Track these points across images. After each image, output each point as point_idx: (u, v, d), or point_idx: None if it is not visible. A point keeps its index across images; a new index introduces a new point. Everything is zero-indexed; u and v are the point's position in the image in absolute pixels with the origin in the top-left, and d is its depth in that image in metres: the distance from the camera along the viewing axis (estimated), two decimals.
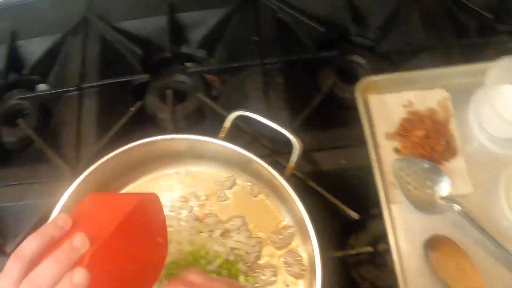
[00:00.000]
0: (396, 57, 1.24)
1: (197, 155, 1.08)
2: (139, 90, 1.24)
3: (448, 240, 1.00)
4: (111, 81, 1.22)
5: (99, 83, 1.22)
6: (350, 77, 1.22)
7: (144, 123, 1.21)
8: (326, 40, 1.26)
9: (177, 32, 1.29)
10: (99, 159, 1.04)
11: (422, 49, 1.23)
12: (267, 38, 1.23)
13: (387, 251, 1.01)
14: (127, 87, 1.24)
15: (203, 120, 1.21)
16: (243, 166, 1.06)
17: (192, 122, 1.19)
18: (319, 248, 0.92)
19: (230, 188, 1.08)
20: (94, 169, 1.02)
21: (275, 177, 0.98)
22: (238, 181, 1.09)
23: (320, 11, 1.28)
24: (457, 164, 1.08)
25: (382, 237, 1.04)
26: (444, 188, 1.03)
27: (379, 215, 1.04)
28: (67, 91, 1.22)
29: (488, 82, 1.05)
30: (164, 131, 1.17)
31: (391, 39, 1.26)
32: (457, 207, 0.99)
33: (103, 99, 1.21)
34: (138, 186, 1.10)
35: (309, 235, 0.96)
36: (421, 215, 1.03)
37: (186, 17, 1.31)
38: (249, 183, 1.08)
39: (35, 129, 1.20)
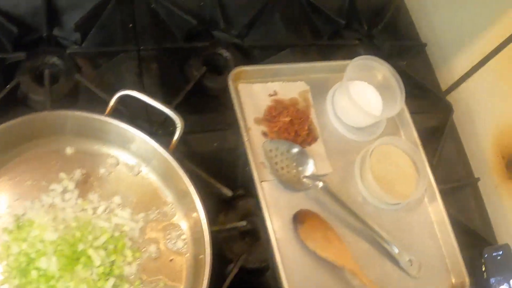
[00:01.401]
0: (258, 52, 1.44)
1: (79, 133, 1.16)
2: (8, 71, 1.27)
3: (313, 214, 1.22)
4: None
5: None
6: (216, 68, 1.39)
7: (15, 104, 1.24)
8: (194, 34, 1.42)
9: (53, 13, 1.35)
10: None
11: (282, 46, 1.44)
12: (142, 26, 1.36)
13: (257, 226, 1.20)
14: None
15: (76, 103, 1.28)
16: (125, 145, 1.17)
17: (66, 105, 1.25)
18: (206, 217, 1.07)
19: (112, 166, 1.18)
20: None
21: (159, 152, 1.12)
22: (120, 160, 1.19)
23: (190, 5, 1.42)
24: (317, 148, 1.30)
25: (250, 214, 1.22)
26: (308, 168, 1.25)
27: (248, 194, 1.24)
28: None
29: (345, 78, 1.30)
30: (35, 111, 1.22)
31: (255, 37, 1.46)
32: (320, 183, 1.21)
33: None
34: (16, 164, 1.14)
35: (190, 209, 1.12)
36: (288, 192, 1.23)
37: None
38: (131, 162, 1.19)
39: None
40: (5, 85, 1.23)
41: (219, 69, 1.39)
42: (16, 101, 1.25)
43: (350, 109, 1.31)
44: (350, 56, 1.38)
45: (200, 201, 1.08)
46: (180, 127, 1.14)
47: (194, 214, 1.10)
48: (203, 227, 1.07)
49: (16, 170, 1.14)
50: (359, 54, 1.39)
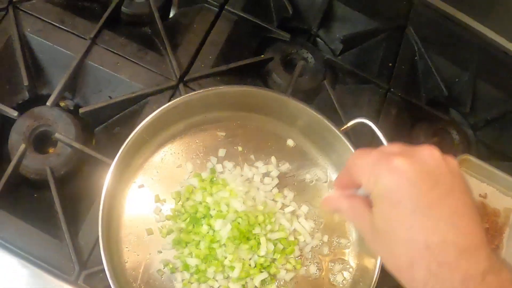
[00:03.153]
0: (486, 151, 1.40)
1: (306, 133, 1.17)
2: (264, 44, 1.30)
3: None
4: (252, 19, 1.28)
5: (240, 13, 1.27)
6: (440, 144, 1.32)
7: (255, 73, 1.27)
8: (437, 102, 1.39)
9: (328, 15, 1.38)
10: (209, 82, 1.15)
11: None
12: (399, 70, 1.34)
13: None
14: (260, 34, 1.30)
15: (309, 102, 1.25)
16: (341, 166, 1.15)
17: (300, 99, 1.23)
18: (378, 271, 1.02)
19: (319, 179, 1.17)
20: (206, 92, 1.10)
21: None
22: (330, 178, 1.17)
23: (449, 75, 1.40)
24: None
25: None
26: None
27: None
28: (208, 2, 1.27)
29: None
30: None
31: (488, 135, 1.42)
32: None
33: (234, 29, 1.26)
34: (236, 126, 1.17)
35: (365, 254, 1.10)
36: None
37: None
38: None
39: (159, 12, 1.23)
40: (255, 53, 1.26)
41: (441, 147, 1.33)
42: (257, 72, 1.27)
43: None
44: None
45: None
46: None
47: (366, 260, 1.08)
48: (373, 278, 1.02)
49: (234, 132, 1.16)
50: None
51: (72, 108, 1.18)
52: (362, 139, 1.18)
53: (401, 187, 0.62)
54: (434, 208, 0.61)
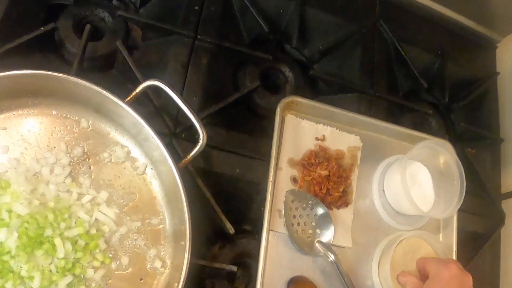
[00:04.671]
0: (323, 86, 1.28)
1: (100, 110, 1.04)
2: (53, 12, 1.14)
3: (311, 286, 1.06)
4: None
5: None
6: (272, 85, 1.24)
7: (48, 47, 1.11)
8: (263, 39, 1.26)
9: None
10: None
11: (350, 89, 1.27)
12: (208, 13, 1.20)
13: (248, 273, 1.08)
14: (44, 3, 1.13)
15: (109, 68, 1.14)
16: (139, 139, 1.04)
17: (98, 67, 1.13)
18: (189, 256, 0.94)
19: (118, 156, 1.04)
20: None
21: (169, 164, 0.97)
22: (131, 153, 1.06)
23: (270, 9, 1.27)
24: (345, 215, 1.14)
25: (247, 256, 1.09)
26: (326, 234, 1.09)
27: (252, 234, 1.10)
28: None
29: (407, 157, 1.13)
30: (66, 64, 1.10)
31: (325, 67, 1.29)
32: (331, 257, 1.05)
33: (12, 4, 1.09)
34: (20, 115, 1.02)
35: (179, 233, 0.99)
36: (294, 251, 1.08)
37: None
38: (140, 158, 1.05)
39: None
40: (43, 25, 1.10)
41: (275, 88, 1.24)
42: (50, 44, 1.12)
43: (399, 193, 1.15)
44: (418, 123, 1.29)
45: (190, 232, 0.94)
46: (201, 143, 0.99)
47: (182, 242, 0.97)
48: (184, 260, 0.93)
49: (13, 123, 1.01)
50: (429, 124, 1.27)
51: None
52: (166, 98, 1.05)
53: None
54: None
